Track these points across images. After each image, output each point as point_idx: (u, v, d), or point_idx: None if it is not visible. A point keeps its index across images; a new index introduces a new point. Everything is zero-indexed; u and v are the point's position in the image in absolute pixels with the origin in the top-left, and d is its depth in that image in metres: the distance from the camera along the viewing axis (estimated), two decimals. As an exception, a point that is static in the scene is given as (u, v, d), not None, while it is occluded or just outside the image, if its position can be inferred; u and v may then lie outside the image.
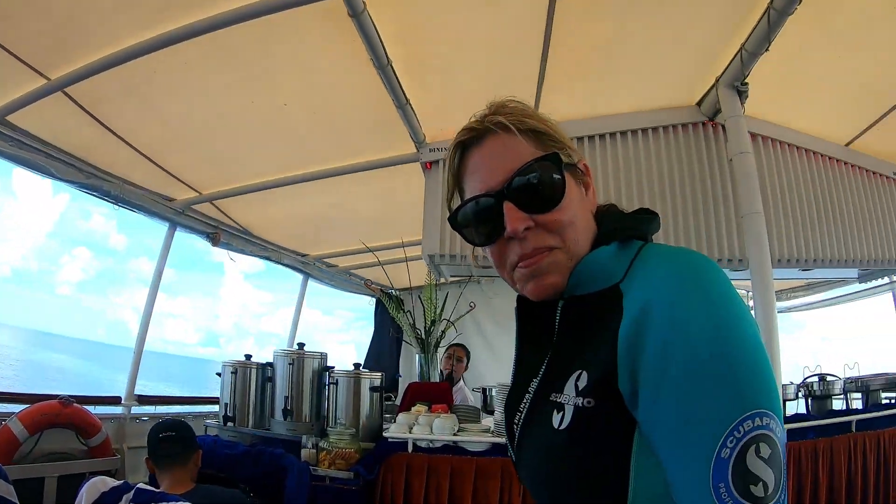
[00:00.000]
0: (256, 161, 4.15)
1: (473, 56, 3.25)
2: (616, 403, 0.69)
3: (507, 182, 0.81)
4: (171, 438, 2.49)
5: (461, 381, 4.79)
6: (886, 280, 5.44)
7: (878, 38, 3.30)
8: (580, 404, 0.72)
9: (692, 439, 0.62)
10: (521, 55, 3.23)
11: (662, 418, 0.65)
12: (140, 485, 2.23)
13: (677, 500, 0.64)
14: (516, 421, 0.88)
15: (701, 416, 0.62)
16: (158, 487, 2.42)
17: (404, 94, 3.21)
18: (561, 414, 0.75)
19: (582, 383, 0.74)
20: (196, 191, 4.34)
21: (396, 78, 3.06)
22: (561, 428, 0.74)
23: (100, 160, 3.77)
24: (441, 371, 3.62)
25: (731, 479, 0.60)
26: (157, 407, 4.43)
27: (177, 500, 2.14)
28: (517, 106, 0.88)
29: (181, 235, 4.60)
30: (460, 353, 4.80)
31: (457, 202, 0.90)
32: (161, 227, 4.48)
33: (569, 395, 0.75)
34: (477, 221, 0.84)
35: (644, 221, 0.85)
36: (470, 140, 0.87)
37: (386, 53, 2.88)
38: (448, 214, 0.90)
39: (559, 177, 0.81)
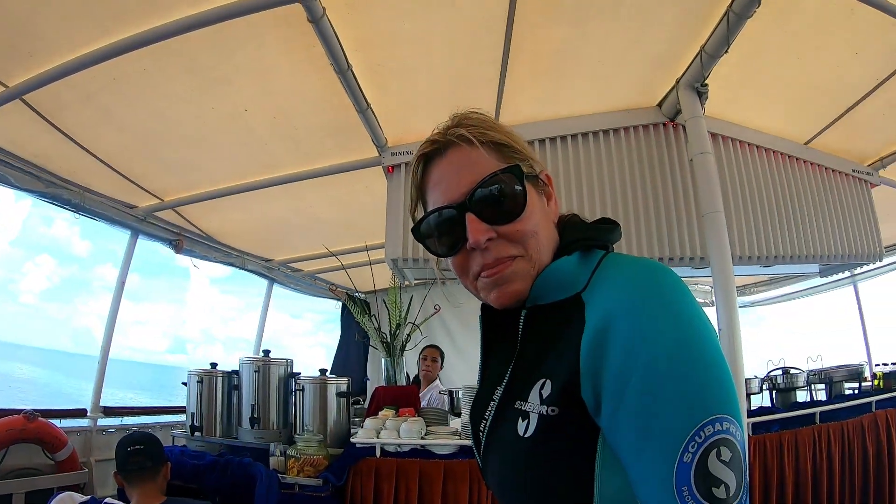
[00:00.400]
0: (218, 167, 4.11)
1: (434, 59, 3.25)
2: (580, 411, 0.71)
3: (470, 194, 0.82)
4: (140, 452, 2.44)
5: (437, 379, 4.84)
6: (847, 274, 5.59)
7: (835, 39, 3.37)
8: (544, 412, 0.74)
9: (655, 444, 0.64)
10: (481, 58, 3.24)
11: (625, 425, 0.66)
12: (108, 500, 2.19)
13: (643, 502, 0.66)
14: (482, 428, 0.89)
15: (663, 421, 0.64)
16: (128, 502, 2.41)
17: (365, 99, 3.21)
18: (526, 422, 0.76)
19: (546, 392, 0.75)
20: (158, 198, 4.28)
21: (357, 82, 3.05)
22: (526, 435, 0.76)
23: (60, 168, 3.71)
24: (407, 374, 3.61)
25: (694, 482, 0.62)
26: (124, 418, 4.35)
27: None
28: (479, 117, 0.89)
29: (144, 242, 4.54)
30: (434, 354, 4.86)
31: (420, 213, 0.90)
32: (124, 234, 4.40)
33: (533, 403, 0.76)
34: (440, 233, 0.85)
35: (606, 231, 0.87)
36: (433, 152, 0.88)
37: (346, 58, 2.87)
38: (412, 225, 0.91)
39: (521, 188, 0.82)
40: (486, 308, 0.97)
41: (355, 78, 3.01)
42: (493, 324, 0.96)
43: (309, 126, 3.67)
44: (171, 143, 3.74)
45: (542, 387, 0.76)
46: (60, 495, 2.20)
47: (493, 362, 0.94)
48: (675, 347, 0.66)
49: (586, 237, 0.85)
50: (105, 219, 4.13)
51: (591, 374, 0.69)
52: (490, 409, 0.87)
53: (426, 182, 0.89)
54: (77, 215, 3.94)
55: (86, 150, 3.57)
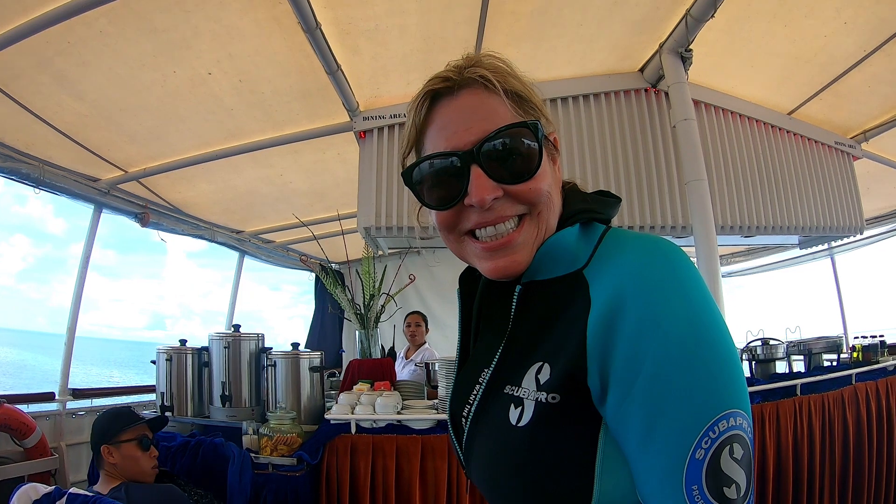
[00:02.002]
0: (183, 135, 3.95)
1: (407, 19, 3.11)
2: (583, 399, 0.66)
3: (479, 143, 0.72)
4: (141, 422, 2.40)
5: (425, 342, 4.85)
6: (825, 246, 5.64)
7: (824, 7, 3.32)
8: (543, 399, 0.68)
9: (665, 439, 0.60)
10: (457, 18, 3.13)
11: (634, 416, 0.62)
12: (72, 490, 2.11)
13: (645, 499, 0.63)
14: (465, 414, 0.81)
15: (675, 415, 0.60)
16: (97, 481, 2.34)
17: (335, 60, 3.08)
18: (520, 409, 0.70)
19: (544, 377, 0.69)
20: (121, 169, 4.13)
21: (326, 42, 2.93)
22: (520, 424, 0.69)
23: (16, 141, 3.55)
24: (382, 347, 3.54)
25: (705, 481, 0.59)
26: (94, 400, 4.23)
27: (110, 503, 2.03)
28: (499, 62, 0.78)
29: (110, 217, 4.37)
30: (417, 319, 4.85)
31: (413, 158, 0.81)
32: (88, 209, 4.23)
33: (528, 389, 0.70)
34: (435, 182, 0.75)
35: (609, 205, 0.81)
36: (444, 90, 0.77)
37: (314, 16, 2.74)
38: (402, 170, 0.81)
39: (536, 146, 0.73)
40: (465, 279, 0.89)
41: (324, 37, 2.88)
42: (474, 296, 0.87)
43: (276, 90, 3.54)
44: (132, 111, 3.57)
45: (538, 371, 0.70)
46: (23, 487, 2.11)
47: (480, 340, 0.85)
48: (689, 334, 0.62)
49: (590, 209, 0.77)
50: (67, 193, 3.96)
51: (599, 359, 0.64)
52: (476, 393, 0.79)
53: (428, 122, 0.78)
54: (37, 190, 3.77)
55: (43, 121, 3.41)
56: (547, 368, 0.69)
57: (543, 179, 0.74)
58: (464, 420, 0.81)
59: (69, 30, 2.70)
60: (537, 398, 0.68)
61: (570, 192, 0.83)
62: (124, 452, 2.36)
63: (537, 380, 0.69)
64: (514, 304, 0.76)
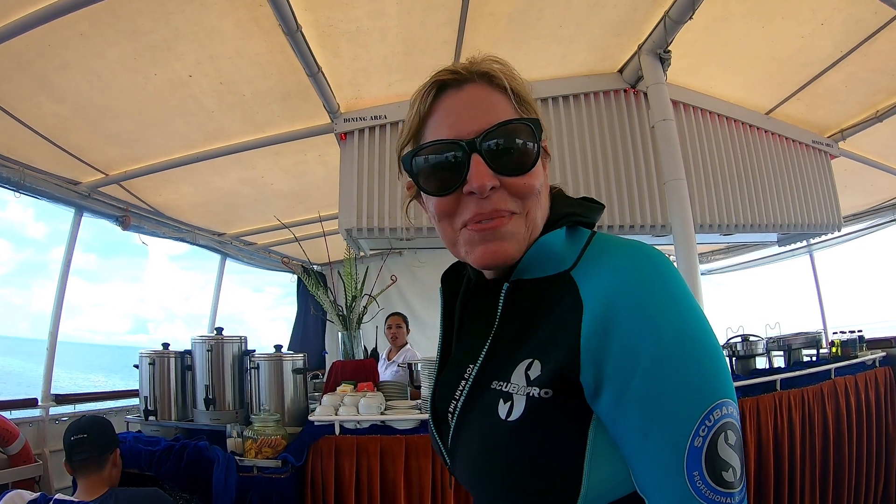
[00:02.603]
0: (163, 138, 3.92)
1: (388, 21, 3.12)
2: (575, 395, 0.68)
3: (482, 134, 0.75)
4: (84, 441, 2.30)
5: (407, 343, 4.85)
6: (804, 244, 5.71)
7: (801, 9, 3.38)
8: (535, 395, 0.70)
9: (665, 430, 0.63)
10: (438, 20, 3.13)
11: (633, 411, 0.65)
12: (58, 496, 2.10)
13: (646, 491, 0.65)
14: (451, 409, 0.82)
15: (673, 407, 0.63)
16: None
17: (316, 62, 3.08)
18: (509, 404, 0.72)
19: (534, 373, 0.71)
20: (102, 172, 4.08)
21: (307, 44, 2.93)
22: (511, 419, 0.71)
23: (-3, 144, 3.49)
24: (365, 348, 3.55)
25: (705, 467, 0.62)
26: (77, 405, 4.17)
27: None
28: (503, 63, 0.82)
29: (91, 220, 4.32)
30: (398, 321, 4.86)
31: (411, 147, 0.83)
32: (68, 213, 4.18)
33: (517, 385, 0.72)
34: (435, 168, 0.77)
35: (594, 210, 0.84)
36: (450, 82, 0.80)
37: (295, 18, 2.73)
38: (399, 156, 0.84)
39: (534, 144, 0.77)
40: (448, 277, 0.91)
41: (305, 40, 2.88)
42: (456, 295, 0.90)
43: (257, 92, 3.52)
44: (113, 113, 3.54)
45: (528, 367, 0.72)
46: (9, 494, 2.09)
47: (463, 338, 0.87)
48: (680, 333, 0.66)
49: (577, 213, 0.80)
50: (47, 196, 3.90)
51: (593, 358, 0.67)
52: (461, 388, 0.80)
53: (432, 111, 0.80)
54: (18, 194, 3.72)
55: (23, 124, 3.37)
56: (537, 365, 0.71)
57: (537, 177, 0.77)
58: (449, 416, 0.82)
59: (50, 32, 2.67)
60: (528, 393, 0.70)
61: (556, 196, 0.86)
62: (116, 459, 2.38)
63: (527, 376, 0.71)
64: (501, 301, 0.78)
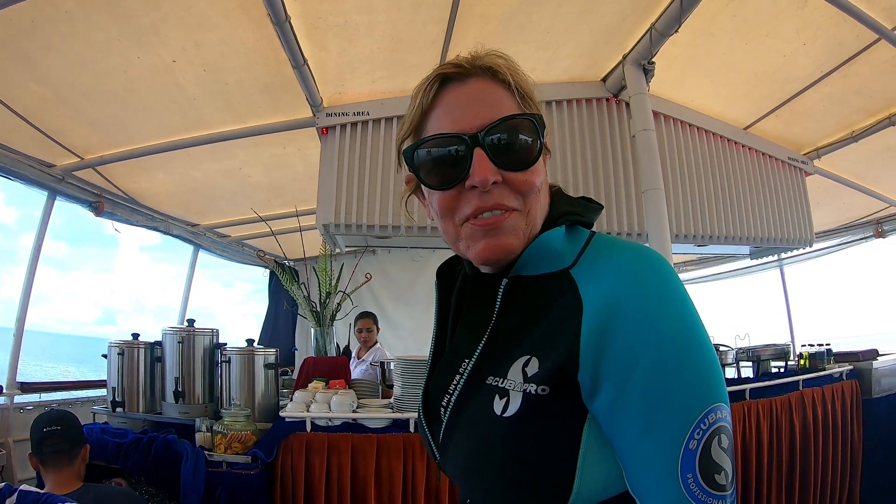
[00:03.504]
0: (142, 123, 3.84)
1: (376, 17, 3.11)
2: (571, 393, 0.68)
3: (485, 129, 0.75)
4: (55, 434, 2.24)
5: (377, 342, 4.84)
6: (775, 257, 5.84)
7: (785, 28, 3.45)
8: (532, 391, 0.70)
9: (662, 432, 0.64)
10: (426, 18, 3.13)
11: (631, 411, 0.65)
12: (23, 487, 2.03)
13: (638, 491, 0.66)
14: (444, 404, 0.82)
15: (670, 409, 0.64)
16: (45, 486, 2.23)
17: (302, 54, 3.05)
18: (505, 400, 0.72)
19: (532, 370, 0.71)
20: (78, 156, 3.97)
21: (294, 36, 2.90)
22: (506, 414, 0.71)
23: (-31, 122, 3.38)
24: (337, 345, 3.52)
25: (699, 469, 0.63)
26: (43, 394, 4.06)
27: (64, 502, 1.95)
28: (507, 59, 0.82)
29: (64, 205, 4.22)
30: (368, 324, 4.82)
31: (411, 141, 0.82)
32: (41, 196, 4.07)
33: (514, 381, 0.72)
34: (437, 162, 0.77)
35: (593, 210, 0.84)
36: (453, 75, 0.79)
37: (284, 9, 2.71)
38: (400, 149, 0.83)
39: (537, 139, 0.77)
40: (443, 272, 0.91)
41: (293, 31, 2.85)
42: (451, 290, 0.90)
43: (241, 81, 3.47)
44: (93, 96, 3.46)
45: (526, 364, 0.72)
46: None
47: (459, 332, 0.87)
48: (680, 336, 0.66)
49: (576, 212, 0.81)
50: (20, 178, 3.78)
51: (593, 358, 0.67)
52: (456, 383, 0.80)
53: (434, 104, 0.80)
54: (-9, 175, 3.62)
55: (1, 103, 3.27)
56: (535, 362, 0.71)
57: (538, 174, 0.77)
58: (442, 410, 0.82)
59: (33, 7, 2.59)
60: (525, 389, 0.70)
61: (556, 194, 0.86)
62: (86, 455, 2.33)
63: (524, 372, 0.71)
64: (499, 296, 0.77)
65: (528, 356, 0.72)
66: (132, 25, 2.90)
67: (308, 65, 3.18)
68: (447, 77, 0.79)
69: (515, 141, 0.75)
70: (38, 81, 3.23)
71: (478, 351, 0.77)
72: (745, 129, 4.65)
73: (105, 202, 4.34)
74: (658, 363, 0.64)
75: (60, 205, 4.17)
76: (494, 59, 0.79)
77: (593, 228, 0.83)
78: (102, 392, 4.16)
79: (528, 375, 0.70)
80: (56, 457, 2.22)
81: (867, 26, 3.28)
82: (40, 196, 4.04)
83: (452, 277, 0.93)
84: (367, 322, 4.82)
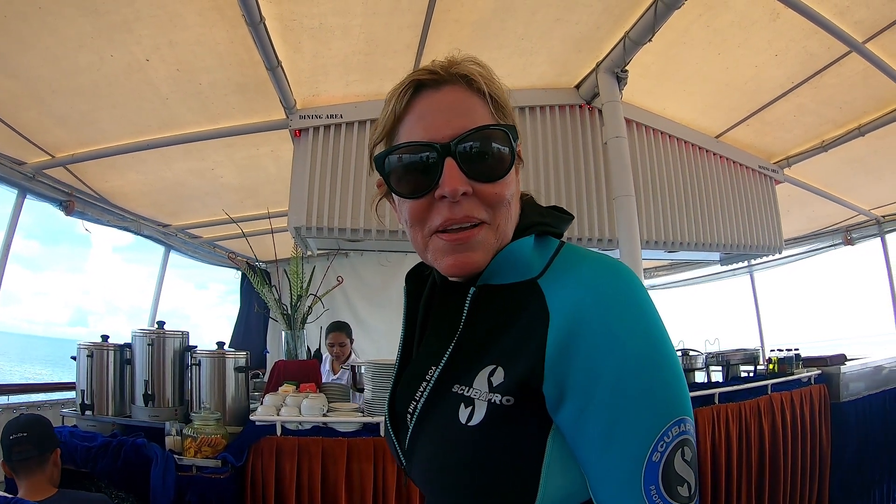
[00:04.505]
0: (114, 122, 3.79)
1: (352, 20, 3.10)
2: (536, 404, 0.68)
3: (457, 138, 0.74)
4: (23, 440, 2.20)
5: (351, 355, 4.57)
6: (745, 264, 5.93)
7: (757, 40, 3.51)
8: (496, 401, 0.69)
9: (625, 444, 0.64)
10: (402, 22, 3.14)
11: (594, 424, 0.65)
12: None
13: (601, 501, 0.66)
14: (410, 410, 0.81)
15: (633, 422, 0.64)
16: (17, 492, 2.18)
17: (276, 56, 3.04)
18: (470, 409, 0.71)
19: (497, 379, 0.70)
20: (48, 154, 3.91)
21: (269, 37, 2.89)
22: (471, 424, 0.70)
23: (-64, 117, 3.30)
24: (308, 348, 3.49)
25: (661, 482, 0.63)
26: (11, 396, 3.97)
27: None
28: (482, 67, 0.81)
29: (34, 206, 4.14)
30: (341, 339, 4.52)
31: (382, 147, 0.81)
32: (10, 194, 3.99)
33: (479, 390, 0.71)
34: (408, 170, 0.76)
35: (563, 220, 0.84)
36: (428, 82, 0.78)
37: (259, 10, 2.70)
38: (371, 154, 0.83)
39: (509, 151, 0.76)
40: (411, 277, 0.91)
41: (267, 32, 2.85)
42: (420, 296, 0.90)
43: (214, 82, 3.44)
44: (64, 93, 3.40)
45: (491, 374, 0.71)
46: None
47: (427, 339, 0.86)
48: (644, 350, 0.66)
49: (546, 223, 0.80)
50: (-10, 176, 3.72)
51: (557, 369, 0.67)
52: (423, 390, 0.79)
53: (407, 111, 0.79)
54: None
55: (-29, 98, 3.19)
56: (500, 372, 0.70)
57: (508, 186, 0.76)
58: (408, 417, 0.81)
59: (4, 1, 2.57)
60: (490, 399, 0.70)
61: (526, 203, 0.85)
62: (57, 459, 2.29)
63: (490, 381, 0.71)
64: (466, 305, 0.77)
65: (494, 366, 0.71)
66: (105, 22, 2.86)
67: (282, 66, 3.17)
68: (421, 83, 0.78)
69: (487, 151, 0.74)
70: (8, 76, 3.17)
71: (444, 359, 0.77)
72: (717, 137, 4.73)
73: (76, 201, 4.27)
74: (621, 377, 0.65)
75: (31, 203, 4.10)
76: (470, 67, 0.79)
77: (563, 237, 0.83)
78: (72, 395, 4.09)
79: (494, 385, 0.70)
80: (25, 464, 2.18)
81: (839, 39, 3.35)
82: (10, 193, 3.96)
83: (422, 283, 0.93)
84: (338, 336, 4.52)
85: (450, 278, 0.83)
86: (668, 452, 0.64)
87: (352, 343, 4.65)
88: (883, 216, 5.90)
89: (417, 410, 0.79)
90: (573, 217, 0.87)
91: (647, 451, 0.63)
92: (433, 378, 0.77)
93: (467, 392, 0.72)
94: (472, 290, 0.77)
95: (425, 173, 0.75)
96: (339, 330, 4.55)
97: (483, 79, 0.78)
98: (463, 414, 0.72)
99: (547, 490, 0.67)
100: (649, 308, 0.70)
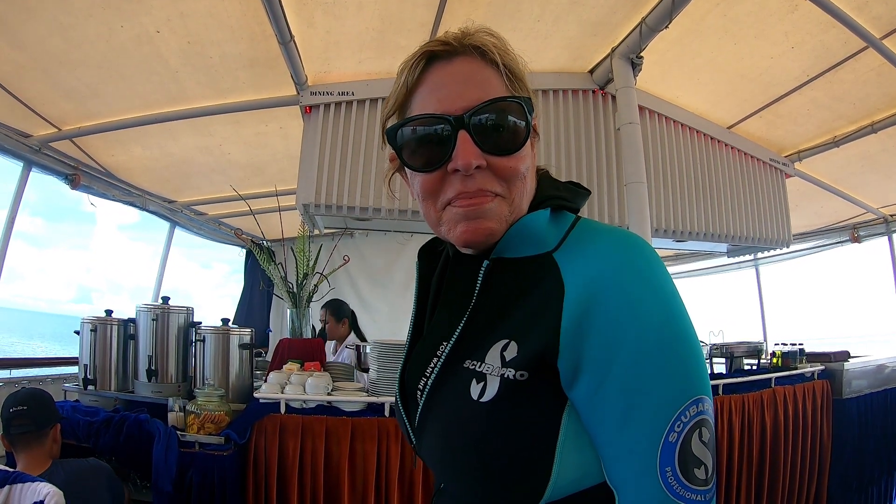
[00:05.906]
0: (122, 95, 3.73)
1: (367, -4, 3.07)
2: (550, 379, 0.67)
3: (471, 111, 0.72)
4: (22, 414, 2.20)
5: (351, 333, 4.49)
6: (751, 257, 5.91)
7: (774, 31, 3.46)
8: (509, 376, 0.68)
9: (641, 423, 0.62)
10: (416, 0, 3.09)
11: (610, 401, 0.64)
12: None
13: (616, 482, 0.64)
14: (421, 387, 0.79)
15: (651, 400, 0.62)
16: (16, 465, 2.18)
17: (289, 30, 2.98)
18: (482, 384, 0.70)
19: (510, 354, 0.69)
20: (55, 126, 3.86)
21: (283, 10, 2.83)
22: (483, 399, 0.69)
23: (-58, 88, 3.26)
24: (313, 327, 3.47)
25: (678, 463, 0.62)
26: (14, 371, 3.97)
27: (34, 481, 1.91)
28: (497, 38, 0.79)
29: (39, 181, 4.13)
30: (323, 315, 4.44)
31: (395, 120, 0.79)
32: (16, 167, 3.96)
33: (492, 365, 0.70)
34: (421, 143, 0.74)
35: (580, 195, 0.82)
36: (440, 53, 0.76)
37: (274, -19, 2.65)
38: (384, 128, 0.80)
39: (524, 124, 0.74)
40: (424, 252, 0.89)
41: (281, 5, 2.80)
42: (432, 272, 0.88)
43: (225, 56, 3.39)
44: (72, 64, 3.35)
45: (504, 348, 0.70)
46: None
47: (438, 314, 0.84)
48: (663, 324, 0.64)
49: (562, 197, 0.79)
50: (-4, 147, 3.69)
51: (573, 343, 0.65)
52: (433, 365, 0.77)
53: (420, 83, 0.77)
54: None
55: (-24, 69, 3.15)
56: (514, 346, 0.69)
57: (523, 160, 0.75)
58: (419, 393, 0.80)
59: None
60: (503, 374, 0.68)
61: (542, 178, 0.84)
62: (56, 434, 2.29)
63: (503, 356, 0.69)
64: (479, 278, 0.75)
65: (507, 340, 0.70)
66: (115, -9, 2.80)
67: (294, 41, 3.12)
68: (434, 55, 0.77)
69: (502, 124, 0.72)
70: (14, 47, 3.12)
71: (456, 333, 0.75)
72: (729, 128, 4.69)
73: (81, 175, 4.23)
74: (639, 353, 0.63)
75: (36, 178, 4.07)
76: (483, 38, 0.76)
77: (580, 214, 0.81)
78: (75, 370, 4.09)
79: (507, 360, 0.69)
80: (24, 437, 2.18)
81: (856, 34, 3.30)
82: (16, 166, 3.93)
83: (435, 259, 0.91)
84: (322, 313, 4.46)
85: (462, 250, 0.81)
86: (686, 433, 0.62)
87: (350, 322, 4.55)
88: (891, 215, 5.87)
89: (428, 386, 0.78)
90: (590, 192, 0.85)
91: (663, 431, 0.61)
92: (444, 353, 0.76)
93: (479, 367, 0.71)
94: (485, 262, 0.76)
95: (438, 146, 0.73)
96: (324, 307, 4.48)
97: (497, 50, 0.76)
98: (475, 389, 0.70)
99: (562, 468, 0.66)
100: (667, 282, 0.68)
